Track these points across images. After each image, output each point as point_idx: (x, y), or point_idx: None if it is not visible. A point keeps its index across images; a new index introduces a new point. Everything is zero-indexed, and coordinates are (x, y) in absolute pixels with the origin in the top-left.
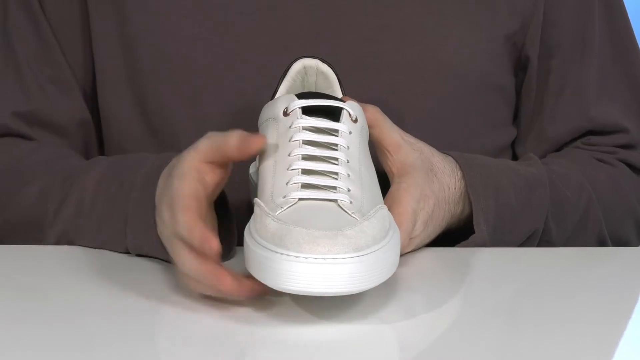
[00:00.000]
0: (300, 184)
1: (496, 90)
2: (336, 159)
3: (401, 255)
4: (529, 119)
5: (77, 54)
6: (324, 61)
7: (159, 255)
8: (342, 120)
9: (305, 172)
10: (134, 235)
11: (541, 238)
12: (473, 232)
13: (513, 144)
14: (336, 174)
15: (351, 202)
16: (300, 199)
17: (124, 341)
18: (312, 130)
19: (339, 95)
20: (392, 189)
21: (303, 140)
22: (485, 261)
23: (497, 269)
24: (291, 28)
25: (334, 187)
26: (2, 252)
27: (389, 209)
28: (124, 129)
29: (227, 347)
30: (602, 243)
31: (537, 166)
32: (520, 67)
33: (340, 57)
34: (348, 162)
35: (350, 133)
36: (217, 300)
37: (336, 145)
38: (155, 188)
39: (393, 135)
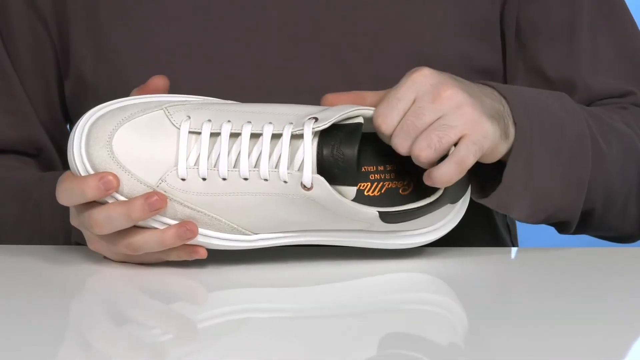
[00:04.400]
0: None
1: (481, 73)
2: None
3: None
4: None
5: (43, 79)
6: None
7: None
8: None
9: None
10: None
11: (592, 150)
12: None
13: None
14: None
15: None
16: None
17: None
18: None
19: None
20: None
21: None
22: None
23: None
24: (270, 28)
25: None
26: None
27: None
28: None
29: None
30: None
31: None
32: (503, 47)
33: (321, 52)
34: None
35: (285, 182)
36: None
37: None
38: None
39: (375, 97)
